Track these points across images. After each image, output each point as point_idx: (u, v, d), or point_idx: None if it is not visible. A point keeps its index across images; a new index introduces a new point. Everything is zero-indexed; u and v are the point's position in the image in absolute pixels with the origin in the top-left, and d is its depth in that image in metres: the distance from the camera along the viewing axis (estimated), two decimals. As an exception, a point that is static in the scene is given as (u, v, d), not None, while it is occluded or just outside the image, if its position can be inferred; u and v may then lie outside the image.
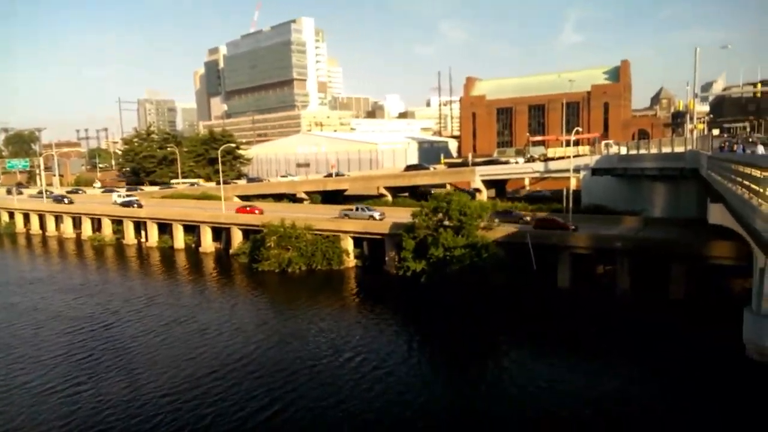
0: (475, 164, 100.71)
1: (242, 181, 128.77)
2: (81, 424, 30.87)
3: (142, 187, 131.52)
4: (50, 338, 46.07)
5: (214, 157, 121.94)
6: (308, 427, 30.24)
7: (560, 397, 32.52)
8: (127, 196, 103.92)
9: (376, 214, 70.02)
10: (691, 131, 72.26)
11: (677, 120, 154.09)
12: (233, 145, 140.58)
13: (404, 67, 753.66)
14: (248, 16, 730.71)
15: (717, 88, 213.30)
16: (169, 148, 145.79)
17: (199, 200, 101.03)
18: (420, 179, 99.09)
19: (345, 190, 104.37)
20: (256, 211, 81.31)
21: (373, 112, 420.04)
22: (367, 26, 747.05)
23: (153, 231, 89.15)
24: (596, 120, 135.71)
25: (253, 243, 71.92)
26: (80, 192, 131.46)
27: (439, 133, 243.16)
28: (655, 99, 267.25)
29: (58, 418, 31.62)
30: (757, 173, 21.69)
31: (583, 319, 46.65)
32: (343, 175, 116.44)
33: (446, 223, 56.77)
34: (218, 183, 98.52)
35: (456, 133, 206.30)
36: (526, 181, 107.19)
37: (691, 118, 75.13)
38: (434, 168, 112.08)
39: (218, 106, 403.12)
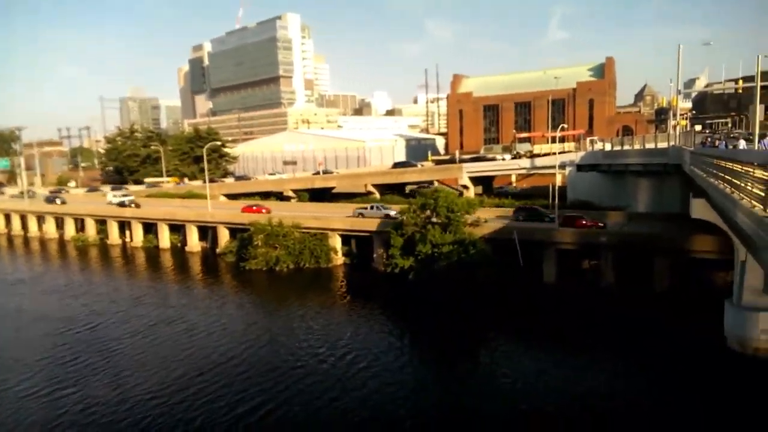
0: (462, 161, 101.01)
1: (229, 180, 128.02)
2: (66, 429, 30.53)
3: (127, 186, 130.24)
4: (34, 340, 45.52)
5: (200, 155, 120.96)
6: (299, 427, 30.22)
7: (548, 392, 32.85)
8: (123, 195, 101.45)
9: (392, 212, 67.83)
10: (674, 127, 73.04)
11: (661, 116, 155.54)
12: (219, 143, 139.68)
13: (391, 65, 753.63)
14: (233, 13, 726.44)
15: (699, 85, 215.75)
16: (153, 147, 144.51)
17: (185, 199, 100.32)
18: (408, 176, 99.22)
19: (333, 188, 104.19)
20: (263, 211, 78.87)
21: (361, 109, 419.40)
22: (354, 23, 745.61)
23: (138, 231, 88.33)
24: (581, 117, 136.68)
25: (240, 242, 71.56)
26: (63, 192, 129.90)
27: (427, 131, 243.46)
28: (639, 96, 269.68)
29: (42, 423, 31.24)
30: (738, 168, 22.01)
31: (569, 313, 47.09)
32: (330, 172, 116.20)
33: (434, 219, 56.94)
34: (205, 181, 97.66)
35: (443, 130, 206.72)
36: (513, 178, 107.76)
37: (674, 115, 76.02)
38: (422, 165, 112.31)
39: (203, 103, 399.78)
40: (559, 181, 68.55)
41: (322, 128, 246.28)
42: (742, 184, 20.89)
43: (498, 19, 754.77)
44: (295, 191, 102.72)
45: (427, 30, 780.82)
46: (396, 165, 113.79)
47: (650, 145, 70.19)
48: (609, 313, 46.26)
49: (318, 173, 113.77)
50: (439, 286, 52.31)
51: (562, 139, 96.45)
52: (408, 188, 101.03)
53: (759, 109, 40.98)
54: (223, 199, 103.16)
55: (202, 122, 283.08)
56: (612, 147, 79.18)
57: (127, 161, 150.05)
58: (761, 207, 16.82)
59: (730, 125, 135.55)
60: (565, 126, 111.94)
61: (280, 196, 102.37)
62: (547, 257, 55.31)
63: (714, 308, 38.83)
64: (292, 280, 62.78)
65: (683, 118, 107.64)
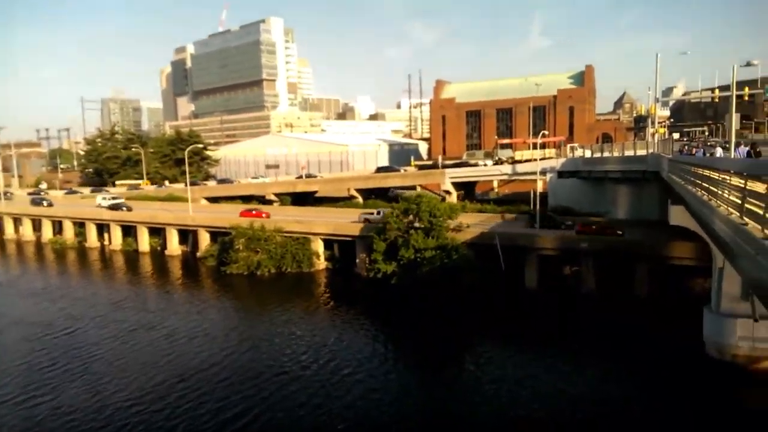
0: (444, 166, 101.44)
1: (212, 183, 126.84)
2: (42, 435, 29.86)
3: (108, 189, 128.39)
4: (9, 346, 44.60)
5: (181, 158, 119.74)
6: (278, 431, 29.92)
7: (532, 398, 32.95)
8: (113, 198, 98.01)
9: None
10: (653, 135, 74.32)
11: (639, 124, 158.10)
12: (201, 145, 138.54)
13: (375, 69, 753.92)
14: (216, 16, 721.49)
15: (677, 94, 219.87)
16: (134, 149, 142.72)
17: (165, 202, 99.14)
18: (391, 181, 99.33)
19: (315, 192, 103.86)
20: (263, 215, 76.91)
21: (344, 113, 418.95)
22: (338, 27, 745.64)
23: (116, 233, 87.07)
24: (562, 123, 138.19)
25: (221, 245, 70.93)
26: (43, 194, 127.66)
27: (410, 136, 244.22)
28: (619, 103, 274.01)
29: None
30: (715, 176, 22.39)
31: (552, 319, 47.47)
32: (314, 176, 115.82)
33: (417, 224, 57.07)
34: (187, 184, 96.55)
35: (426, 135, 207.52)
36: (495, 183, 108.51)
37: (653, 123, 77.39)
38: (405, 170, 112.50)
39: (185, 106, 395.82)
40: (540, 187, 69.28)
41: (306, 132, 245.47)
42: (720, 192, 21.25)
43: (481, 26, 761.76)
44: (277, 195, 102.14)
45: (411, 35, 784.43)
46: (379, 170, 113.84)
47: (629, 153, 71.24)
48: (591, 319, 46.72)
49: (301, 177, 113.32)
50: (422, 291, 52.38)
51: (543, 146, 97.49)
52: (392, 192, 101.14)
53: (735, 117, 41.84)
54: (204, 202, 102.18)
55: (183, 125, 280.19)
56: (592, 154, 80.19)
57: (107, 163, 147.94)
58: (738, 214, 17.14)
59: (707, 133, 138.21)
60: (546, 133, 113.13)
61: (262, 200, 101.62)
62: (528, 263, 55.74)
63: (693, 315, 39.41)
64: (274, 285, 62.36)
65: (661, 126, 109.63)
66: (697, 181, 28.02)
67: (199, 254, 76.41)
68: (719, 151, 39.47)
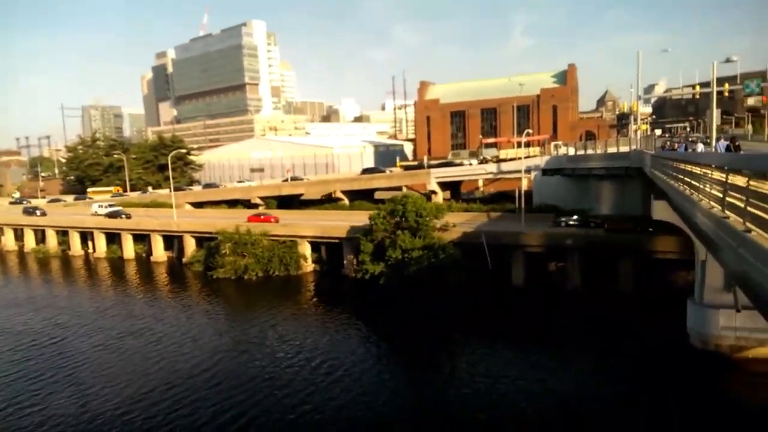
0: (430, 167, 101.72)
1: (198, 187, 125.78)
2: (29, 445, 29.41)
3: (92, 197, 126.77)
4: (-7, 356, 43.81)
5: (164, 163, 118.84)
6: (269, 436, 29.77)
7: (521, 394, 33.15)
8: (109, 206, 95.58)
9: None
10: (635, 132, 75.10)
11: (622, 121, 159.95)
12: (184, 150, 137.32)
13: (359, 72, 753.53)
14: (197, 20, 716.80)
15: (658, 91, 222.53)
16: (116, 155, 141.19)
17: (149, 208, 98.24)
18: (377, 182, 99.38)
19: (301, 195, 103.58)
20: (272, 220, 75.45)
21: (328, 116, 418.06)
22: (320, 30, 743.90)
23: (101, 241, 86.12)
24: (545, 122, 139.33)
25: (207, 250, 70.43)
26: (26, 202, 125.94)
27: (395, 137, 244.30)
28: (601, 101, 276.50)
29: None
30: (697, 170, 22.71)
31: (539, 316, 47.86)
32: (300, 179, 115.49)
33: (403, 225, 57.15)
34: (171, 189, 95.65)
35: (411, 136, 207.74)
36: (480, 183, 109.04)
37: (635, 120, 78.20)
38: (390, 171, 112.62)
39: (168, 111, 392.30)
40: (525, 185, 69.72)
41: (290, 135, 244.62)
42: (701, 186, 21.56)
43: (464, 27, 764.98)
44: (262, 199, 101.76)
45: (395, 37, 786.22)
46: (365, 171, 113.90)
47: (612, 150, 71.98)
48: (577, 315, 47.16)
49: (286, 180, 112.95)
50: (410, 291, 52.46)
51: (528, 144, 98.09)
52: (377, 194, 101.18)
53: (716, 113, 42.50)
54: (188, 207, 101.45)
55: (166, 130, 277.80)
56: (576, 151, 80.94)
57: (88, 170, 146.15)
58: (719, 208, 17.41)
59: (688, 129, 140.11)
60: (530, 131, 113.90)
61: (247, 204, 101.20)
62: (515, 260, 56.10)
63: (677, 307, 39.95)
64: (262, 289, 62.06)
65: (644, 123, 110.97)
66: (679, 176, 28.36)
67: (185, 260, 75.79)
68: (700, 147, 40.09)
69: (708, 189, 20.01)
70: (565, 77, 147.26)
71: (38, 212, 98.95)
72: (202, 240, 74.75)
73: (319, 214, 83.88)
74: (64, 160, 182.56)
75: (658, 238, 49.77)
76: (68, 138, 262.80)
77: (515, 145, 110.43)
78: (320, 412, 31.74)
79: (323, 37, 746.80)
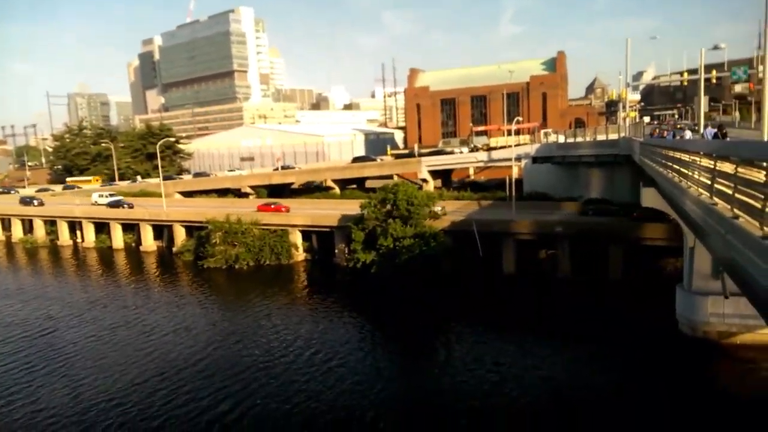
0: (421, 155, 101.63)
1: (188, 177, 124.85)
2: (21, 437, 29.31)
3: (80, 186, 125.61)
4: (-18, 348, 43.50)
5: (153, 152, 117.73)
6: (264, 426, 29.86)
7: (513, 382, 33.39)
8: (110, 195, 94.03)
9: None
10: (624, 119, 75.53)
11: (611, 108, 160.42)
12: (172, 139, 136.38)
13: (348, 59, 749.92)
14: (183, 6, 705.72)
15: (647, 77, 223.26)
16: (103, 144, 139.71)
17: (138, 197, 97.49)
18: (367, 171, 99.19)
19: (292, 184, 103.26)
20: (283, 209, 74.25)
21: (318, 103, 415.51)
22: (309, 16, 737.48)
23: (89, 231, 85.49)
24: (535, 110, 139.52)
25: (197, 240, 70.16)
26: (14, 192, 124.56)
27: (385, 125, 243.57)
28: (590, 89, 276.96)
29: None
30: (685, 157, 22.92)
31: (530, 303, 48.20)
32: (291, 167, 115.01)
33: (395, 213, 57.22)
34: (161, 178, 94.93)
35: (401, 124, 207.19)
36: (471, 171, 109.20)
37: (624, 107, 78.64)
38: (381, 159, 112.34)
39: (155, 99, 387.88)
40: (515, 173, 69.93)
41: (280, 123, 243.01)
42: (690, 173, 21.76)
43: (454, 13, 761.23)
44: (253, 187, 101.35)
45: (384, 23, 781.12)
46: (355, 159, 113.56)
47: (601, 137, 72.32)
48: (567, 302, 47.56)
49: (277, 169, 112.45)
50: (402, 279, 52.69)
51: (518, 132, 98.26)
52: (368, 183, 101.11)
53: (703, 100, 42.77)
54: (178, 196, 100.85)
55: (154, 118, 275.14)
56: (565, 139, 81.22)
57: (76, 159, 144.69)
58: (708, 195, 17.62)
59: (676, 116, 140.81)
60: (520, 119, 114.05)
61: (237, 193, 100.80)
62: (505, 248, 56.40)
63: (666, 294, 40.42)
64: (253, 278, 62.01)
65: (632, 110, 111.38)
66: (668, 163, 28.60)
67: (175, 249, 75.47)
68: (688, 134, 40.35)
69: (696, 176, 20.21)
70: (555, 64, 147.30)
71: (35, 202, 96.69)
72: (192, 229, 74.41)
73: (309, 203, 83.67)
74: (50, 149, 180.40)
75: (647, 225, 50.21)
76: (54, 126, 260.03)
77: (505, 132, 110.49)
78: (316, 401, 31.83)
79: (312, 23, 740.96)
